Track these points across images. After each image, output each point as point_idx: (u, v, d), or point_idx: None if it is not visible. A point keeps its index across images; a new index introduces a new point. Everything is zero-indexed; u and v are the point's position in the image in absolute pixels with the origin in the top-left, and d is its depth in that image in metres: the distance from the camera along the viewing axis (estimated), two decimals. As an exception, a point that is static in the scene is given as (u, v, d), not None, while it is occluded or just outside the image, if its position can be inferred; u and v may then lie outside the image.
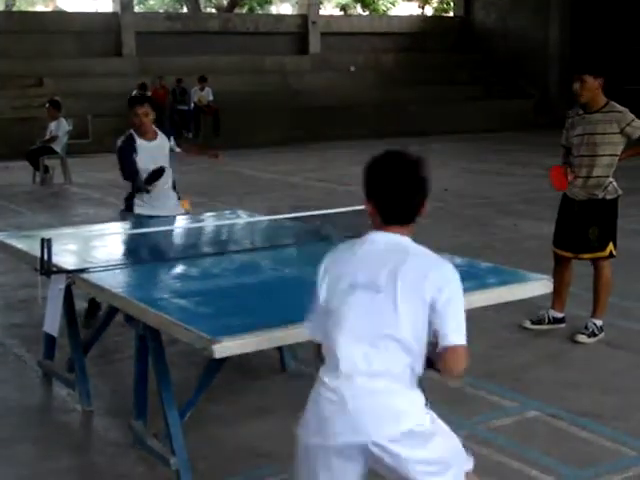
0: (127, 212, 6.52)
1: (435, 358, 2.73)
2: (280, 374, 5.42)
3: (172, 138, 6.66)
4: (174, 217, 6.43)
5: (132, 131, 6.43)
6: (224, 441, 4.45)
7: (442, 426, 2.77)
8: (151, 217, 6.27)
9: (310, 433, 2.73)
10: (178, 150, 6.73)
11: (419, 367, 2.74)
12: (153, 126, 6.47)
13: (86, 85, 22.58)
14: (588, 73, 5.73)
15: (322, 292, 2.81)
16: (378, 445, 2.63)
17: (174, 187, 6.67)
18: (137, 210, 6.46)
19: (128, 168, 6.36)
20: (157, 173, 6.31)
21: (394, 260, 2.71)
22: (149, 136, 6.43)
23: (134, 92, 21.80)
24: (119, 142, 6.46)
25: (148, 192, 6.37)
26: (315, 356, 2.89)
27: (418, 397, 2.73)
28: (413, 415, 2.68)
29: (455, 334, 2.67)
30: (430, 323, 2.68)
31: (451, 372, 2.73)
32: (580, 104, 5.87)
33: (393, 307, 2.66)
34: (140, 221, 6.21)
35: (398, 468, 2.65)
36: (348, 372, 2.67)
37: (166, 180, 6.49)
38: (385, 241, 2.76)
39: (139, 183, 6.35)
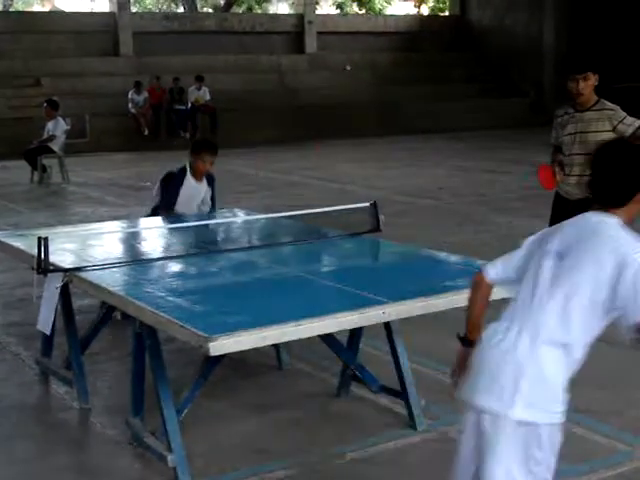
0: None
1: None
2: (277, 371, 5.45)
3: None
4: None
5: (187, 166, 6.65)
6: (221, 438, 4.48)
7: None
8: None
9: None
10: None
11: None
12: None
13: (84, 85, 22.58)
14: (592, 71, 5.76)
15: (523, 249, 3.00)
16: None
17: None
18: None
19: (167, 197, 6.58)
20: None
21: (587, 233, 2.78)
22: (199, 178, 6.69)
23: (131, 91, 21.84)
24: (174, 169, 6.73)
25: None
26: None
27: None
28: None
29: None
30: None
31: None
32: (575, 102, 5.89)
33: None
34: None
35: None
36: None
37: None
38: (591, 218, 2.82)
39: (164, 213, 6.57)
